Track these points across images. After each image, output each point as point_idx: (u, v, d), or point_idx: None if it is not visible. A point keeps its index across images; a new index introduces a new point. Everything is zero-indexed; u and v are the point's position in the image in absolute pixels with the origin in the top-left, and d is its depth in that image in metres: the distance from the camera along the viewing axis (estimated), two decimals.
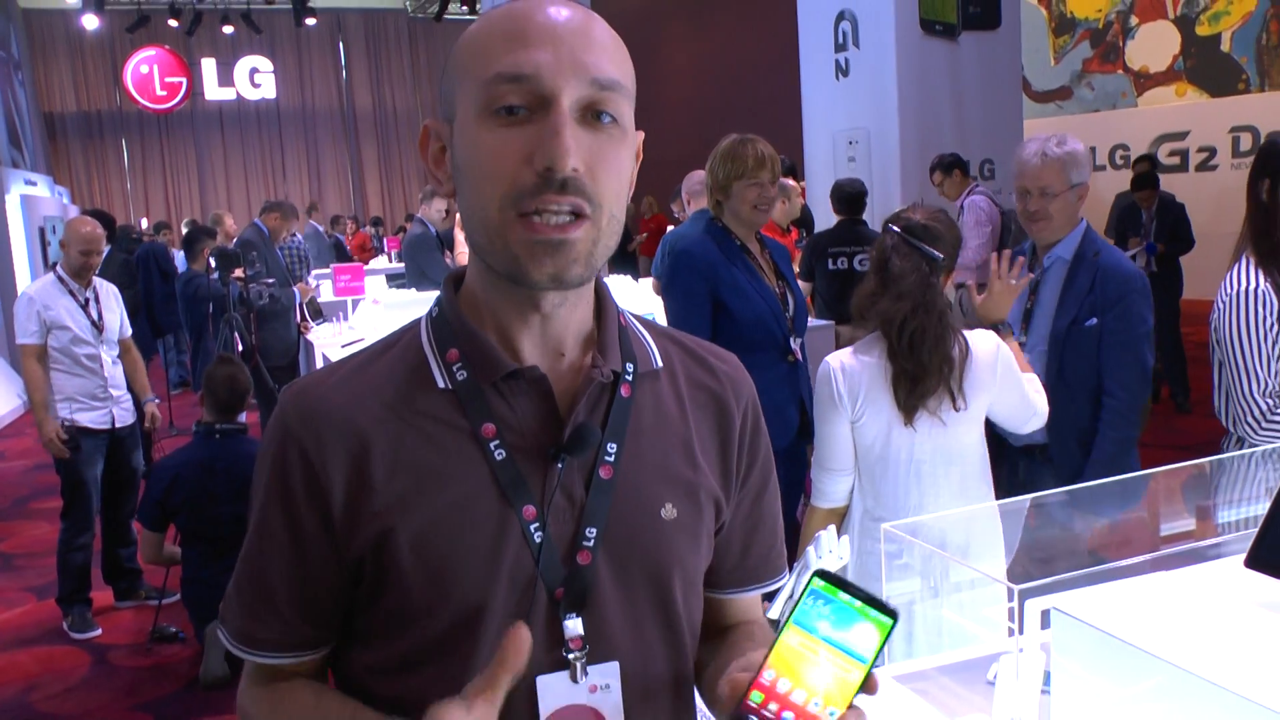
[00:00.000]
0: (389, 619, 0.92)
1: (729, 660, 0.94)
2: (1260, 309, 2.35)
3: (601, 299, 0.99)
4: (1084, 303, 2.74)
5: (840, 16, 8.62)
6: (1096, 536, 2.23)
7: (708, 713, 1.05)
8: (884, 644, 0.77)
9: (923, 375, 2.20)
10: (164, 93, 17.54)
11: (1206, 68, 12.68)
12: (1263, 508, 2.15)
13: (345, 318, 6.64)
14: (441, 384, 0.92)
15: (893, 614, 0.77)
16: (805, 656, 0.78)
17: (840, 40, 8.67)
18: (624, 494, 0.94)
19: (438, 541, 0.89)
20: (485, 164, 0.86)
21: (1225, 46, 12.52)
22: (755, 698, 0.78)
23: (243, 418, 4.18)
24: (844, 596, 0.78)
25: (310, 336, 6.57)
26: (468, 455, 0.90)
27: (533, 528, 0.90)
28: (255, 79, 19.15)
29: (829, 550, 1.52)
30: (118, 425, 4.49)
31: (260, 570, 0.95)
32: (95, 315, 4.42)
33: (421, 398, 0.92)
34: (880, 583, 1.97)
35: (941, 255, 2.26)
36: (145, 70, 17.36)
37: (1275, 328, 2.35)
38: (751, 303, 3.04)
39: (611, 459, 0.93)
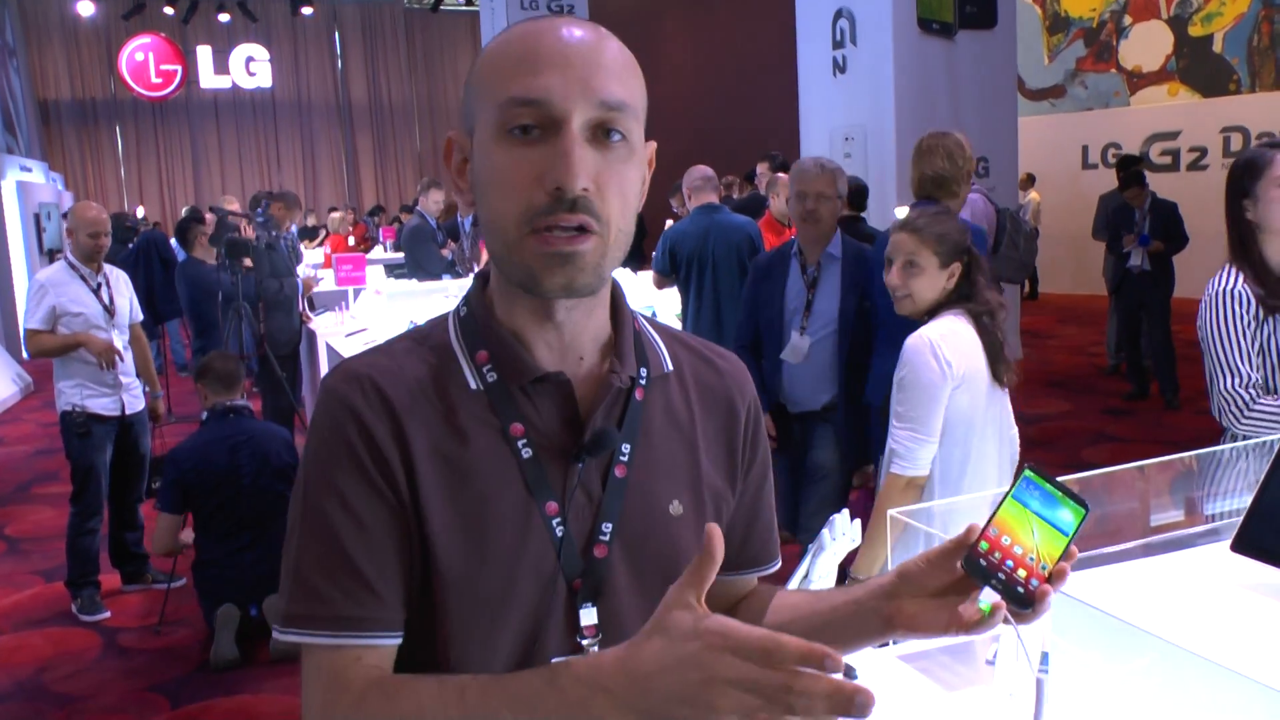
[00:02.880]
0: (425, 596, 0.95)
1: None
2: (1237, 307, 2.49)
3: (618, 307, 1.04)
4: (860, 289, 3.50)
5: (838, 14, 8.68)
6: (1088, 525, 2.33)
7: None
8: (1080, 525, 0.92)
9: (1000, 343, 2.51)
10: (159, 80, 17.51)
11: (1198, 68, 12.78)
12: (1245, 499, 2.25)
13: (346, 307, 6.71)
14: (473, 385, 0.98)
15: (1086, 505, 0.92)
16: (1021, 523, 0.93)
17: (838, 38, 8.74)
18: (636, 491, 1.00)
19: (467, 531, 0.94)
20: (501, 182, 0.91)
21: (1217, 47, 12.62)
22: (983, 545, 0.92)
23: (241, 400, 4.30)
24: (1050, 485, 0.94)
25: (312, 326, 6.63)
26: (496, 452, 0.96)
27: (554, 522, 0.96)
28: (251, 68, 19.13)
29: (842, 533, 1.60)
30: (128, 412, 4.55)
31: (342, 548, 0.91)
32: (107, 299, 4.48)
33: (455, 395, 0.97)
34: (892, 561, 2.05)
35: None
36: (140, 58, 17.33)
37: (1252, 325, 2.48)
38: None
39: (625, 459, 1.00)
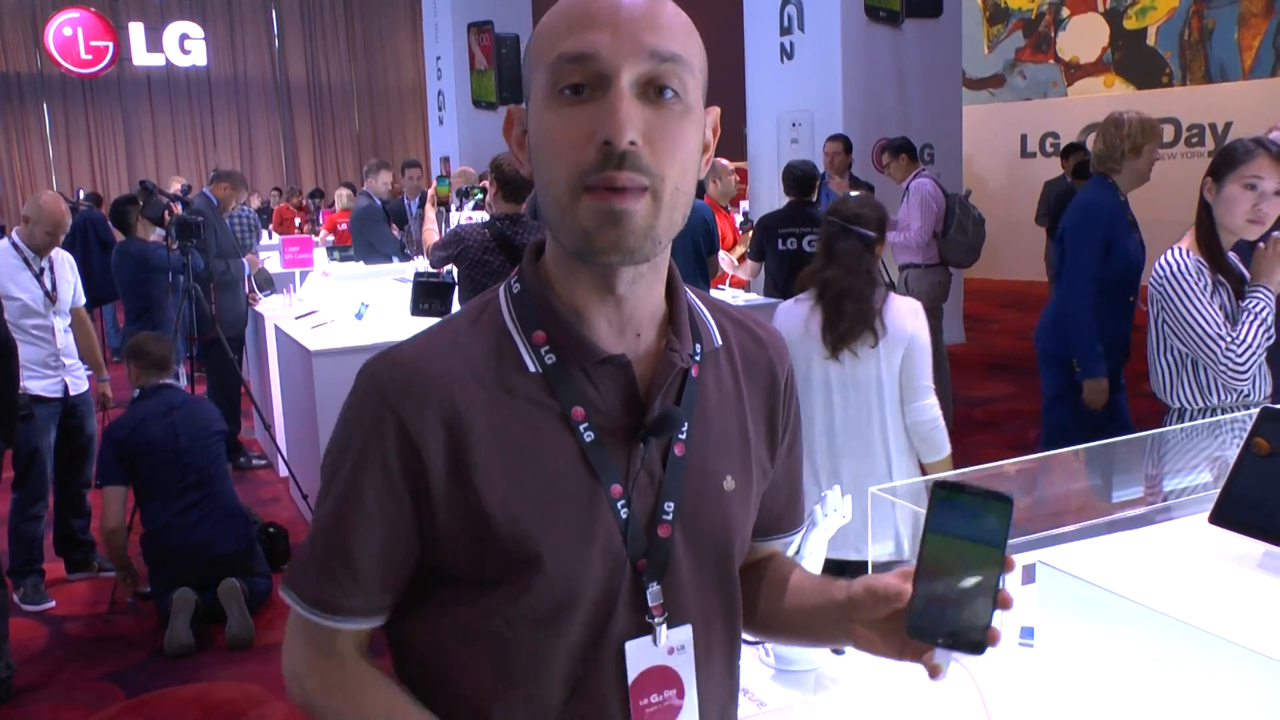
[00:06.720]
0: (482, 587, 0.95)
1: (780, 595, 1.12)
2: (1195, 280, 2.68)
3: (673, 281, 1.02)
4: None
5: (786, 0, 8.74)
6: (1057, 501, 2.39)
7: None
8: (1008, 523, 0.87)
9: (841, 320, 2.81)
10: (89, 57, 16.95)
11: (1133, 60, 13.08)
12: (1198, 475, 2.31)
13: (294, 289, 6.60)
14: (532, 368, 0.95)
15: (1007, 497, 0.87)
16: (949, 554, 0.88)
17: (786, 24, 8.79)
18: (694, 469, 0.99)
19: (532, 516, 0.93)
20: (553, 142, 0.89)
21: (1151, 41, 12.92)
22: (918, 604, 0.88)
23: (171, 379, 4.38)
24: (965, 495, 0.88)
25: (259, 308, 6.52)
26: (558, 435, 0.94)
27: (619, 504, 0.95)
28: (185, 45, 18.59)
29: (834, 509, 1.62)
30: (71, 393, 4.43)
31: (344, 539, 0.96)
32: (49, 285, 4.35)
33: (513, 377, 0.95)
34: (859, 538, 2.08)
35: (874, 234, 2.86)
36: (69, 33, 16.75)
37: (1210, 287, 2.68)
38: (1130, 251, 3.61)
39: (684, 437, 0.99)
